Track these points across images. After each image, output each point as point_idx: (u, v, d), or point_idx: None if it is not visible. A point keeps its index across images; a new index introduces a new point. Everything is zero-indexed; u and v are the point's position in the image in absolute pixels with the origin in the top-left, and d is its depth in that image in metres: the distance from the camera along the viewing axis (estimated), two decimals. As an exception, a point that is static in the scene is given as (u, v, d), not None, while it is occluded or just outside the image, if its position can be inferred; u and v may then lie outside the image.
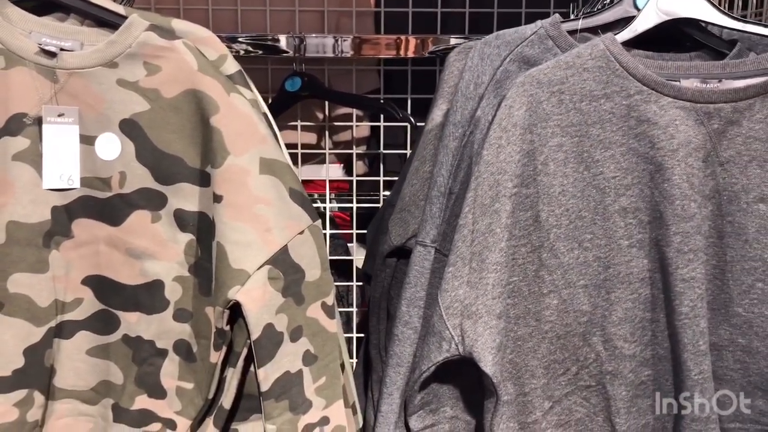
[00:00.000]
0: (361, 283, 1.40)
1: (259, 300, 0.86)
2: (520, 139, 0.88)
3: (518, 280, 0.90)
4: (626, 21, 0.97)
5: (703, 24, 0.97)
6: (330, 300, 0.91)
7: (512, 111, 0.87)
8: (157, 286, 0.90)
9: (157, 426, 0.93)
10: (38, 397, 0.91)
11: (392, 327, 0.99)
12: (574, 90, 0.88)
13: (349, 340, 1.39)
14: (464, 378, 0.95)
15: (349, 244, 1.47)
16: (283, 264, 0.87)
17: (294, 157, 1.29)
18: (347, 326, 1.43)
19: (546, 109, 0.88)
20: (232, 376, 0.90)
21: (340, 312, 1.36)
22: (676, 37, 0.98)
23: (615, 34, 0.92)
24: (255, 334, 0.87)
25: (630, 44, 0.94)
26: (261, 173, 0.86)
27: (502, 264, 0.88)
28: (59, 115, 0.87)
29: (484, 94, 0.94)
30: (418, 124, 1.21)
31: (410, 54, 1.25)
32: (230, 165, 0.85)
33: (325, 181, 1.39)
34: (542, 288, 0.91)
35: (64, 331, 0.91)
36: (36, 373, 0.90)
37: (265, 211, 0.86)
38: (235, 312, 0.88)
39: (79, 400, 0.94)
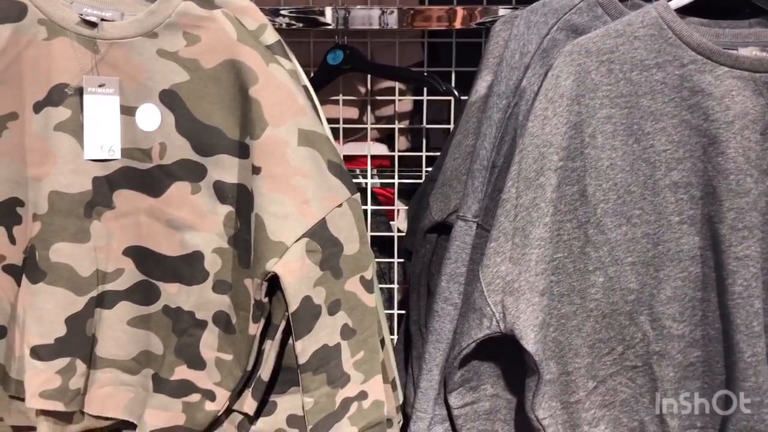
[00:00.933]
0: (402, 260, 1.39)
1: (296, 272, 0.85)
2: (567, 110, 0.85)
3: (563, 257, 0.87)
4: (681, -13, 0.93)
5: (765, -12, 0.92)
6: (368, 274, 0.90)
7: (559, 81, 0.85)
8: (196, 257, 0.91)
9: (196, 397, 0.93)
10: (80, 366, 0.92)
11: (432, 303, 0.98)
12: (624, 59, 0.85)
13: (390, 317, 1.38)
14: (505, 355, 0.93)
15: (391, 222, 1.46)
16: (321, 237, 0.86)
17: (336, 131, 1.28)
18: (389, 303, 1.42)
19: (594, 79, 0.85)
20: (271, 348, 0.90)
21: (382, 289, 1.35)
22: (734, 3, 0.94)
23: (668, 1, 0.88)
24: (293, 306, 0.86)
25: (684, 11, 0.90)
26: (299, 145, 0.85)
27: (547, 240, 0.85)
28: (100, 86, 0.87)
29: (530, 63, 0.91)
30: (461, 97, 1.18)
31: (457, 25, 1.21)
32: (268, 136, 0.85)
33: (366, 157, 1.38)
34: (588, 265, 0.88)
35: (105, 301, 0.92)
36: (78, 341, 0.91)
37: (302, 183, 0.85)
38: (274, 284, 0.87)
39: (120, 370, 0.95)
